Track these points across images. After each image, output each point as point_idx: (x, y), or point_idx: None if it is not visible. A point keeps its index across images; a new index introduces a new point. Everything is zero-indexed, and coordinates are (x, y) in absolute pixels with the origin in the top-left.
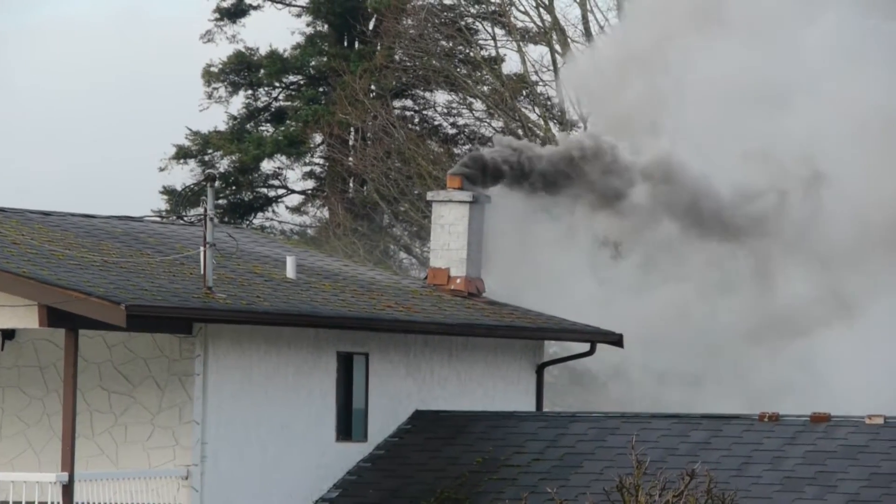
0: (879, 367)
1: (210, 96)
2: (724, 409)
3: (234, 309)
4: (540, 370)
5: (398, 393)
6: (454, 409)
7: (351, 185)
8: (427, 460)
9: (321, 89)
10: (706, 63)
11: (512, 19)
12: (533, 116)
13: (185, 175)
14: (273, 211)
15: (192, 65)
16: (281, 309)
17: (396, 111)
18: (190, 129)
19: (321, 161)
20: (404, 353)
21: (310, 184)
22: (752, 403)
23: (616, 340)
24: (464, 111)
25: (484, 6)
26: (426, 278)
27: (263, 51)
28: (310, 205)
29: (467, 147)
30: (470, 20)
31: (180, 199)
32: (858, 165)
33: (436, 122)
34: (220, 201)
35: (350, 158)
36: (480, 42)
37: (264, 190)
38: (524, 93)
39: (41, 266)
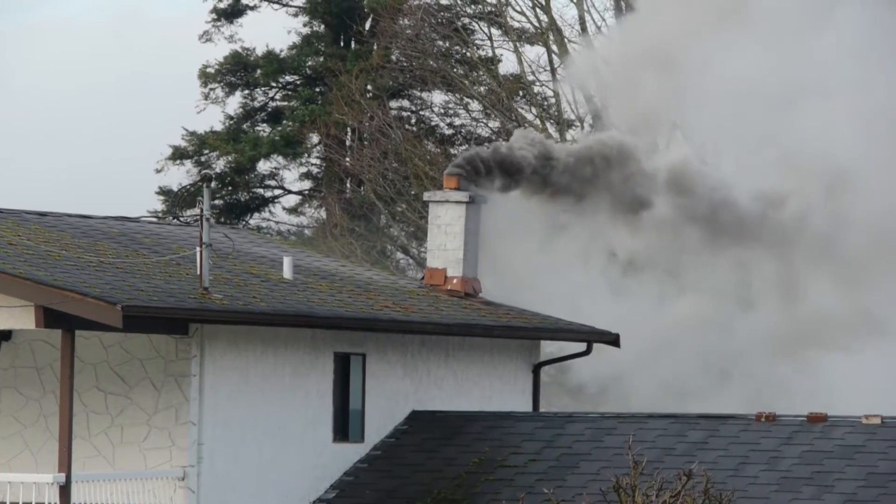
0: None
1: (207, 97)
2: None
3: (231, 309)
4: (536, 370)
5: (395, 393)
6: (451, 410)
7: (348, 185)
8: (424, 461)
9: (318, 89)
10: (724, 61)
11: (508, 19)
12: (529, 117)
13: (181, 176)
14: (269, 211)
15: (192, 65)
16: (277, 309)
17: (393, 111)
18: (186, 130)
19: (318, 161)
20: (401, 353)
21: (306, 184)
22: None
23: (612, 340)
24: (460, 111)
25: (480, 6)
26: (423, 278)
27: (260, 51)
28: (306, 205)
29: (463, 147)
30: (466, 20)
31: (177, 200)
32: (878, 169)
33: (432, 123)
34: (217, 202)
35: (347, 159)
36: (477, 42)
37: (261, 190)
38: (521, 93)
39: (37, 267)
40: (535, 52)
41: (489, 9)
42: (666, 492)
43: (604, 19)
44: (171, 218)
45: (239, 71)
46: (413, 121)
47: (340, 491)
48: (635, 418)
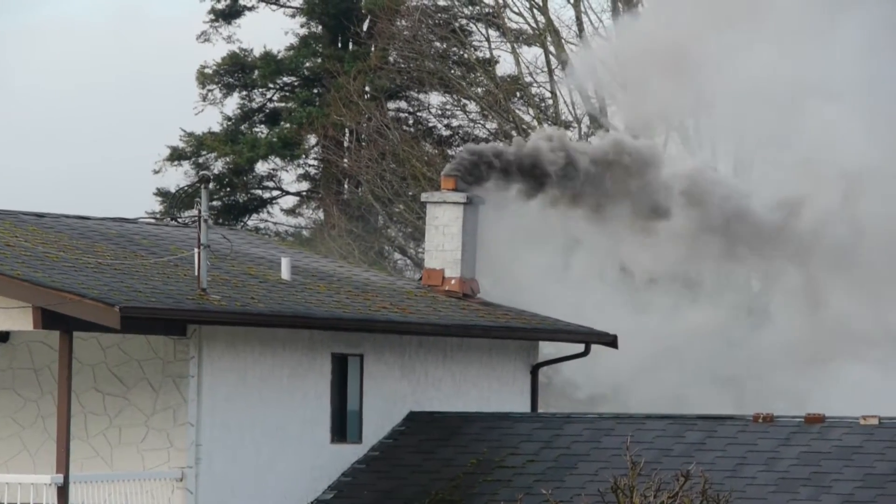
0: None
1: (205, 98)
2: None
3: (229, 310)
4: (535, 371)
5: (393, 394)
6: (449, 411)
7: (345, 186)
8: (422, 462)
9: (315, 91)
10: (736, 61)
11: (506, 21)
12: (527, 118)
13: (179, 177)
14: (267, 212)
15: (192, 65)
16: (275, 310)
17: (391, 112)
18: (184, 131)
19: (315, 162)
20: (399, 354)
21: (304, 185)
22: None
23: (610, 341)
24: (458, 113)
25: (478, 8)
26: (421, 279)
27: (258, 52)
28: (304, 206)
29: (460, 148)
30: (464, 21)
31: (174, 201)
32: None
33: (430, 124)
34: (215, 203)
35: (344, 160)
36: (474, 43)
37: (259, 191)
38: (518, 94)
39: (35, 268)
40: (532, 54)
41: (486, 10)
42: (664, 492)
43: (601, 20)
44: (168, 219)
45: (237, 72)
46: (411, 122)
47: (338, 492)
48: (633, 419)
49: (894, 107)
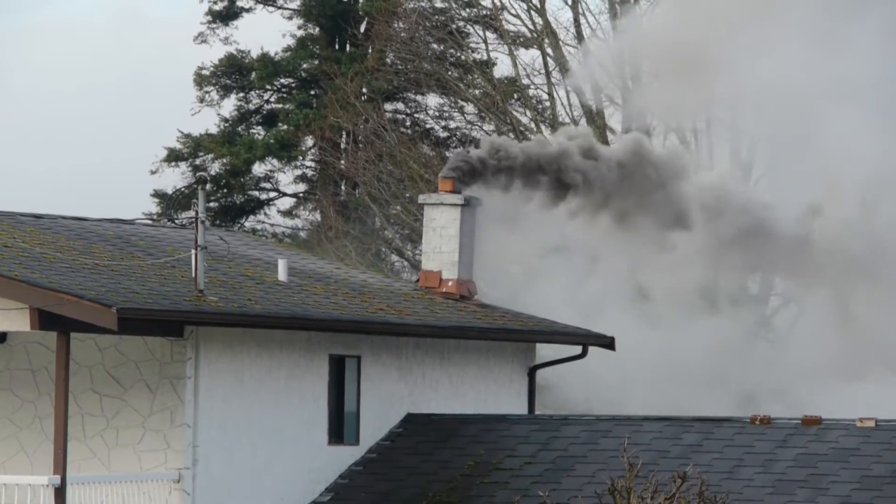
0: None
1: (202, 100)
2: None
3: (226, 312)
4: (532, 373)
5: (390, 396)
6: (446, 412)
7: (342, 188)
8: (419, 463)
9: (312, 92)
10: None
11: (503, 23)
12: (524, 120)
13: (176, 178)
14: (264, 214)
15: (192, 66)
16: (272, 312)
17: (388, 114)
18: (181, 132)
19: (313, 164)
20: (396, 355)
21: (301, 187)
22: None
23: (608, 343)
24: (455, 114)
25: (475, 9)
26: (418, 281)
27: (255, 54)
28: (301, 208)
29: (457, 150)
30: (461, 23)
31: (171, 202)
32: None
33: (427, 126)
34: (212, 204)
35: (342, 161)
36: (472, 45)
37: (256, 193)
38: (515, 96)
39: (32, 269)
40: (529, 56)
41: (484, 12)
42: (661, 494)
43: (598, 22)
44: (165, 220)
45: (234, 73)
46: (408, 123)
47: (335, 494)
48: (630, 421)
49: None
